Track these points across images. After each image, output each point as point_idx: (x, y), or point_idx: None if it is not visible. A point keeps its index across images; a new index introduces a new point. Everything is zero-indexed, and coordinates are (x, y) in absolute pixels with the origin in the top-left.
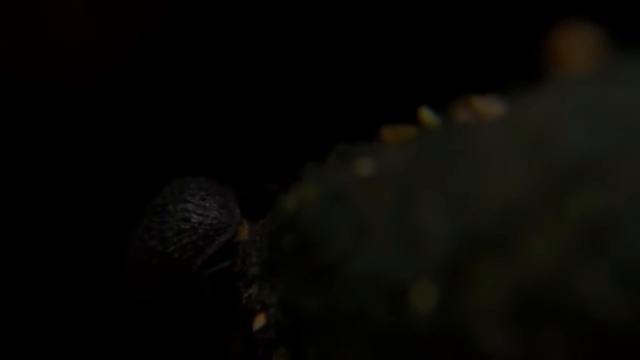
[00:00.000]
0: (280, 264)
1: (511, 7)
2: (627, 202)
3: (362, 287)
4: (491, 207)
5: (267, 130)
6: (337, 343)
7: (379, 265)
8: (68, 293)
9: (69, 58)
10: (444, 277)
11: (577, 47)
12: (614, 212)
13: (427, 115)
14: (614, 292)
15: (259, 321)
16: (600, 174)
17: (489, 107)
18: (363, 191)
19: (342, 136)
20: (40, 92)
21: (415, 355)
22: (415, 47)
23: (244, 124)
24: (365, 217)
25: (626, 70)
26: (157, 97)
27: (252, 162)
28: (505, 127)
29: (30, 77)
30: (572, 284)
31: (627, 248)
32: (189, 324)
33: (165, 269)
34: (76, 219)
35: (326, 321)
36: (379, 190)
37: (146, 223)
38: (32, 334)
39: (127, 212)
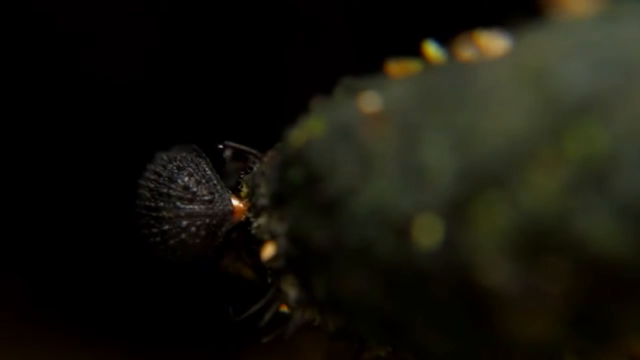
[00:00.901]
0: (288, 195)
1: None
2: (627, 137)
3: (367, 221)
4: (494, 143)
5: None
6: (343, 274)
7: (384, 199)
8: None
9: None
10: (447, 212)
11: None
12: (614, 148)
13: (432, 49)
14: (613, 226)
15: (268, 250)
16: (600, 110)
17: (494, 43)
18: (368, 126)
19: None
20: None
21: (419, 289)
22: None
23: None
24: (370, 152)
25: (627, 11)
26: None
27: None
28: (509, 64)
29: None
30: (571, 218)
31: (626, 183)
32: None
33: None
34: None
35: (332, 253)
36: (384, 126)
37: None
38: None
39: None
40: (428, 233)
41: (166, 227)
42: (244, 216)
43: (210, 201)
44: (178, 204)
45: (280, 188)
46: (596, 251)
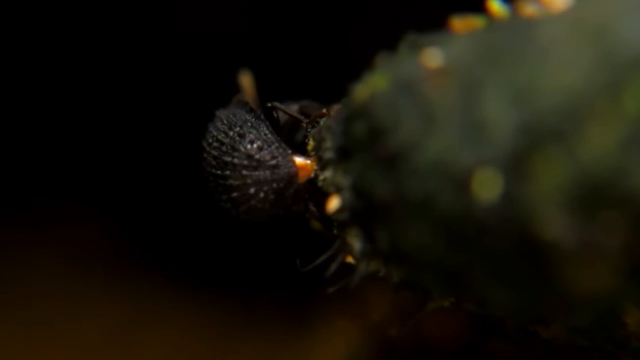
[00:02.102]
0: (352, 149)
1: None
2: None
3: (429, 174)
4: (553, 98)
5: None
6: (404, 227)
7: (446, 153)
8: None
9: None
10: (507, 166)
11: None
12: None
13: (495, 5)
14: None
15: (334, 203)
16: None
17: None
18: (431, 82)
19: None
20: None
21: (479, 241)
22: None
23: None
24: (432, 107)
25: None
26: None
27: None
28: (570, 20)
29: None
30: (628, 173)
31: None
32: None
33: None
34: None
35: (395, 206)
36: (446, 81)
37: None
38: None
39: None
40: (488, 187)
41: (235, 194)
42: (312, 173)
43: (275, 166)
44: (244, 172)
45: (345, 142)
46: None
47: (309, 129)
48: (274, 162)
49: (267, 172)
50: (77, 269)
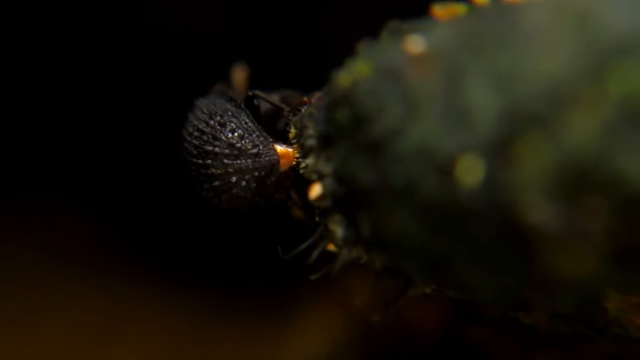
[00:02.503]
0: (335, 136)
1: None
2: None
3: (412, 161)
4: (537, 84)
5: None
6: (387, 213)
7: (429, 139)
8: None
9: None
10: (490, 152)
11: None
12: None
13: None
14: None
15: (316, 190)
16: None
17: None
18: (413, 68)
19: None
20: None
21: (462, 227)
22: None
23: None
24: (416, 93)
25: None
26: None
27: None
28: (553, 7)
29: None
30: (611, 157)
31: None
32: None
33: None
34: None
35: (378, 192)
36: (429, 67)
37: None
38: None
39: None
40: (471, 172)
41: (216, 183)
42: (294, 161)
43: (256, 154)
44: (225, 161)
45: (327, 129)
46: (636, 189)
47: (290, 117)
48: (255, 150)
49: (249, 161)
50: (62, 263)
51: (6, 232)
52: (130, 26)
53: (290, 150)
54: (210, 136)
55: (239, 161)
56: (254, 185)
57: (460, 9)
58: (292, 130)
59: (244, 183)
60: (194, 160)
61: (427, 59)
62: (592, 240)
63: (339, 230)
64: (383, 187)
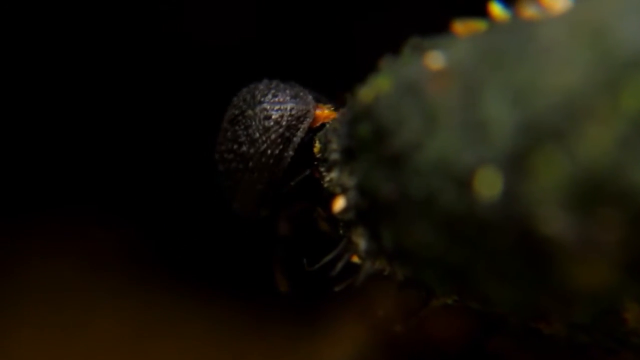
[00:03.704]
0: (357, 150)
1: None
2: None
3: (431, 173)
4: (553, 98)
5: None
6: (408, 225)
7: (447, 152)
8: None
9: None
10: (507, 165)
11: None
12: None
13: (497, 8)
14: None
15: (339, 203)
16: None
17: (556, 1)
18: (433, 83)
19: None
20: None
21: (481, 238)
22: None
23: None
24: (435, 108)
25: None
26: None
27: None
28: (569, 22)
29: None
30: (625, 170)
31: None
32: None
33: (261, 171)
34: None
35: (399, 204)
36: (449, 82)
37: (230, 135)
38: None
39: None
40: (489, 185)
41: (252, 122)
42: (325, 121)
43: (296, 96)
44: (262, 99)
45: (350, 143)
46: None
47: (315, 132)
48: (292, 95)
49: (287, 99)
50: (93, 275)
51: (38, 245)
52: (168, 41)
53: (327, 113)
54: (251, 89)
55: (276, 100)
56: (285, 123)
57: (480, 25)
58: (317, 145)
59: (278, 115)
60: (233, 111)
61: (446, 74)
62: (606, 251)
63: (362, 243)
64: (404, 200)
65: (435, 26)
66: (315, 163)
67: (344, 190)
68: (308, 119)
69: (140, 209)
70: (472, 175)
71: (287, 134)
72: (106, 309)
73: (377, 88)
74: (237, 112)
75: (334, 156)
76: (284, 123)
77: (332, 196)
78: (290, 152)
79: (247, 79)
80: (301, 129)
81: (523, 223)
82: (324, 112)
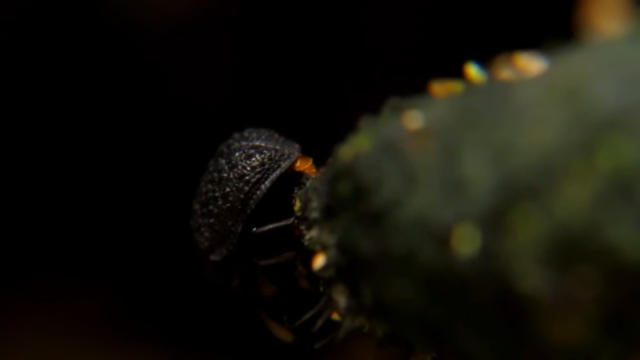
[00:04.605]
0: (337, 208)
1: None
2: None
3: (410, 231)
4: (529, 157)
5: None
6: (387, 282)
7: (426, 210)
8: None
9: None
10: (485, 222)
11: (608, 12)
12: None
13: (473, 70)
14: None
15: (319, 260)
16: (629, 126)
17: (531, 63)
18: (412, 142)
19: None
20: None
21: (459, 295)
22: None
23: None
24: (413, 166)
25: None
26: None
27: None
28: (544, 83)
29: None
30: (602, 228)
31: None
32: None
33: (235, 200)
34: None
35: (379, 261)
36: (427, 142)
37: (212, 166)
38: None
39: None
40: (467, 242)
41: (237, 154)
42: (303, 170)
43: (278, 141)
44: (247, 138)
45: (330, 201)
46: (625, 259)
47: (295, 191)
48: (277, 143)
49: (270, 143)
50: (79, 339)
51: (24, 310)
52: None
53: (310, 166)
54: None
55: (260, 140)
56: (267, 160)
57: (457, 86)
58: (297, 204)
59: (261, 152)
60: (207, 187)
61: (424, 133)
62: (582, 308)
63: (342, 300)
64: (383, 256)
65: (413, 87)
66: (296, 220)
67: (324, 248)
68: (290, 159)
69: (124, 274)
70: (451, 232)
71: (267, 166)
72: None
73: (356, 147)
74: (224, 148)
75: (314, 214)
76: (266, 152)
77: (312, 254)
78: (267, 184)
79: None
80: (282, 166)
81: (501, 279)
82: (307, 164)
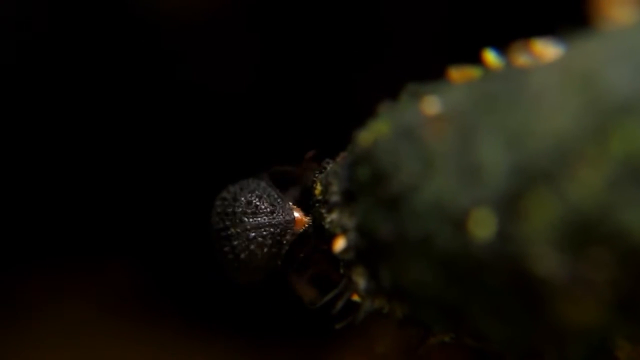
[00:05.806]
0: (357, 192)
1: None
2: None
3: (427, 215)
4: (544, 142)
5: None
6: (405, 265)
7: (443, 194)
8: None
9: None
10: (501, 206)
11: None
12: None
13: (491, 56)
14: None
15: (340, 243)
16: None
17: (547, 49)
18: (430, 128)
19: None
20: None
21: (475, 278)
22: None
23: None
24: (431, 151)
25: None
26: None
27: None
28: (560, 69)
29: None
30: (614, 211)
31: None
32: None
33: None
34: None
35: (397, 245)
36: (444, 127)
37: (219, 245)
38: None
39: None
40: (483, 226)
41: (235, 242)
42: (304, 226)
43: (272, 212)
44: (243, 218)
45: (350, 186)
46: (638, 242)
47: (316, 175)
48: (271, 208)
49: (265, 218)
50: (99, 318)
51: (53, 290)
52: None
53: (305, 219)
54: (230, 199)
55: (255, 218)
56: (270, 242)
57: (474, 72)
58: (318, 187)
59: (260, 239)
60: (216, 227)
61: (442, 118)
62: (596, 290)
63: (361, 282)
64: (401, 240)
65: (431, 73)
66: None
67: (345, 231)
68: (290, 231)
69: (146, 252)
70: (467, 216)
71: (275, 249)
72: (114, 352)
73: (376, 132)
74: (221, 225)
75: (335, 198)
76: (268, 242)
77: (333, 236)
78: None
79: (249, 126)
80: (287, 240)
81: (516, 263)
82: (301, 217)
